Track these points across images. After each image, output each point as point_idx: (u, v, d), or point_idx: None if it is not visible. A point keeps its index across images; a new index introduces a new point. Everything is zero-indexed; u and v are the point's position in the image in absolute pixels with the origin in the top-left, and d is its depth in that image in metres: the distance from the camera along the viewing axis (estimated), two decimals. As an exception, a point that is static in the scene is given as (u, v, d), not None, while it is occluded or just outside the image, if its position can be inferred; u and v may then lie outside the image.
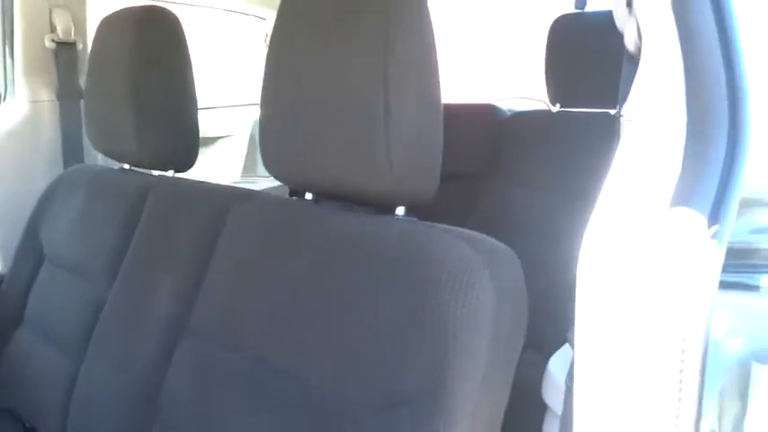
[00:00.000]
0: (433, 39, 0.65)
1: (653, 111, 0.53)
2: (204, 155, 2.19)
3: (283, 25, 0.71)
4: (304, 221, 0.73)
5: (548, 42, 1.53)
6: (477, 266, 0.58)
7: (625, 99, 0.60)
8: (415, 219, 0.69)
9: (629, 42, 0.58)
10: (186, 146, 1.05)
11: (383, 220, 0.67)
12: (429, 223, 0.66)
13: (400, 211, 0.69)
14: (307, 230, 0.72)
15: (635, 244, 0.48)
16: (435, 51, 0.65)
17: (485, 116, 1.74)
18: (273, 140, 0.74)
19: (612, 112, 1.52)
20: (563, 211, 1.51)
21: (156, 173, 1.08)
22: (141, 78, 1.00)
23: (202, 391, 0.75)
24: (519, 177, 1.57)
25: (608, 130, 1.45)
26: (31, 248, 1.15)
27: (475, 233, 0.64)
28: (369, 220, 0.68)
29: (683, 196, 0.47)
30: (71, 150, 1.36)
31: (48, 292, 1.10)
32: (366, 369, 0.61)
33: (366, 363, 0.61)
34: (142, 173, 1.10)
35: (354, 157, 0.65)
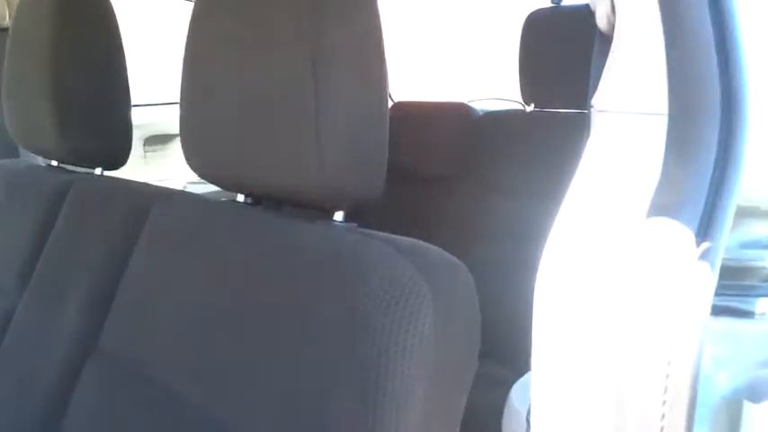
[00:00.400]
0: (377, 25, 0.56)
1: (628, 100, 0.44)
2: (164, 152, 2.10)
3: (203, 10, 0.62)
4: (227, 226, 0.63)
5: (522, 39, 1.44)
6: (417, 284, 0.48)
7: (596, 87, 0.51)
8: (354, 225, 0.59)
9: (601, 19, 0.48)
10: (116, 141, 0.94)
11: (314, 227, 0.57)
12: (368, 232, 0.56)
13: (338, 216, 0.59)
14: (229, 237, 0.62)
15: (604, 263, 0.39)
16: (379, 40, 0.56)
17: (457, 115, 1.65)
18: (194, 136, 0.64)
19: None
20: (539, 216, 1.42)
21: (82, 170, 0.97)
22: (63, 65, 0.89)
23: (107, 421, 0.64)
24: (493, 180, 1.48)
25: (583, 131, 1.37)
26: None
27: (420, 244, 0.54)
28: (299, 227, 0.58)
29: (665, 204, 0.38)
30: (4, 144, 1.24)
31: None
32: (287, 406, 0.51)
33: (287, 400, 0.51)
34: (66, 170, 0.98)
35: (283, 155, 0.56)
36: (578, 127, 1.41)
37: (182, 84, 0.64)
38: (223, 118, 0.60)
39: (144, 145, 1.85)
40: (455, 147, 1.59)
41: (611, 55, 0.46)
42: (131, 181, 0.86)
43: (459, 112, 1.65)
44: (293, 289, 0.54)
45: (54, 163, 1.01)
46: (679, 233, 0.36)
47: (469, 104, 1.71)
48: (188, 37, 0.63)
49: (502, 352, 1.30)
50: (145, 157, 1.86)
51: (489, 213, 1.46)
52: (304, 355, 0.51)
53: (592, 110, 0.50)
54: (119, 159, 0.95)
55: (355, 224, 0.60)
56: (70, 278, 0.78)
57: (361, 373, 0.48)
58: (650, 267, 0.35)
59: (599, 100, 0.46)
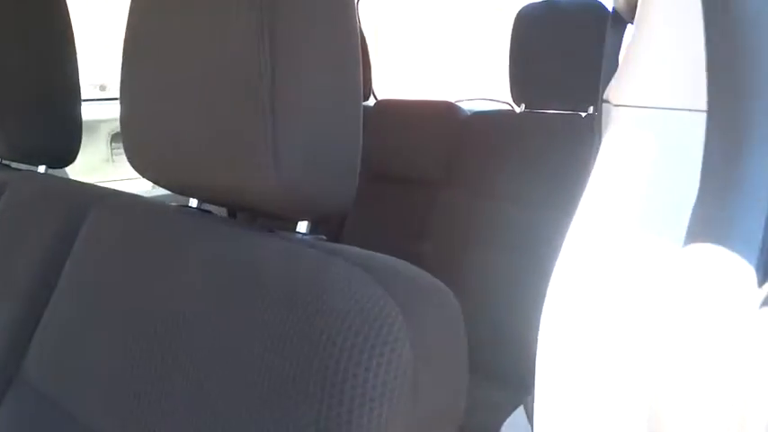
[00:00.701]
0: (350, 15, 0.47)
1: (657, 92, 0.35)
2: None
3: None
4: (172, 237, 0.54)
5: (512, 35, 1.36)
6: (389, 313, 0.40)
7: (608, 79, 0.43)
8: (320, 238, 0.50)
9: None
10: (62, 137, 0.84)
11: (271, 241, 0.48)
12: (333, 247, 0.47)
13: (302, 227, 0.50)
14: (173, 250, 0.52)
15: (635, 298, 0.30)
16: (353, 31, 0.47)
17: (444, 115, 1.56)
18: (136, 134, 0.55)
19: (584, 114, 1.37)
20: (532, 225, 1.35)
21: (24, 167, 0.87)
22: (2, 54, 0.79)
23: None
24: (481, 185, 1.40)
25: (577, 135, 1.29)
26: None
27: (395, 262, 0.45)
28: (252, 240, 0.49)
29: (709, 225, 0.29)
30: None
31: None
32: None
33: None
34: (9, 168, 0.88)
35: (234, 157, 0.47)
36: (573, 129, 1.33)
37: (121, 76, 0.55)
38: (166, 114, 0.50)
39: (111, 142, 1.73)
40: (441, 148, 1.50)
41: (634, 38, 0.37)
42: (71, 180, 0.76)
43: (445, 112, 1.57)
44: (242, 313, 0.44)
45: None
46: (732, 266, 0.27)
47: (457, 104, 1.63)
48: (128, 24, 0.54)
49: (491, 369, 1.22)
50: (112, 155, 1.74)
51: (478, 220, 1.38)
52: (252, 391, 0.42)
53: (606, 105, 0.42)
54: (66, 155, 0.85)
55: (322, 237, 0.51)
56: None
57: (316, 410, 0.39)
58: (696, 312, 0.27)
59: (618, 93, 0.37)
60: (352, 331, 0.39)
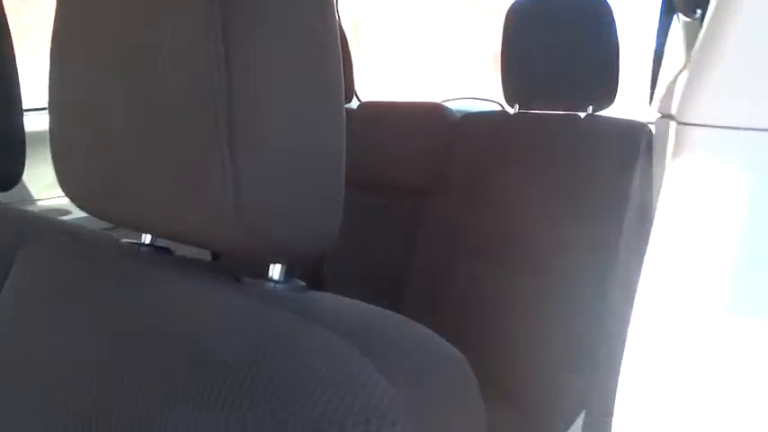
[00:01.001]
0: (327, 4, 0.37)
1: (746, 110, 0.26)
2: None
3: None
4: (113, 282, 0.44)
5: (504, 30, 1.27)
6: (387, 404, 0.30)
7: (655, 82, 0.34)
8: (298, 286, 0.41)
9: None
10: (3, 153, 0.73)
11: (232, 293, 0.38)
12: (316, 298, 0.37)
13: (275, 272, 0.41)
14: (115, 298, 0.42)
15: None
16: (330, 23, 0.37)
17: (431, 117, 1.47)
18: (67, 154, 0.45)
19: (583, 115, 1.29)
20: (525, 233, 1.26)
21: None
22: None
23: None
24: (472, 191, 1.31)
25: (576, 137, 1.20)
26: None
27: (392, 321, 0.36)
28: (210, 291, 0.39)
29: None
30: None
31: None
32: None
33: None
34: None
35: (184, 185, 0.37)
36: (573, 131, 1.24)
37: (49, 80, 0.45)
38: (102, 130, 0.40)
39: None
40: (430, 153, 1.41)
41: (708, 37, 0.28)
42: (8, 207, 0.65)
43: (433, 114, 1.47)
44: (195, 394, 0.34)
45: None
46: None
47: (445, 105, 1.53)
48: (53, 32, 0.44)
49: (490, 385, 1.13)
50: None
51: (469, 230, 1.29)
52: None
53: (661, 121, 0.32)
54: (7, 178, 0.74)
55: (300, 284, 0.41)
56: None
57: None
58: None
59: (687, 107, 0.28)
60: (340, 423, 0.30)
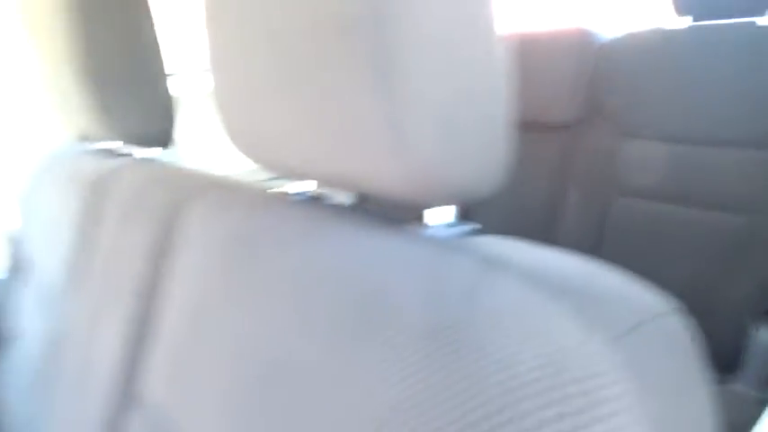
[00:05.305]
0: None
1: None
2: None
3: None
4: (285, 236, 0.42)
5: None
6: (613, 381, 0.25)
7: None
8: (474, 228, 0.37)
9: None
10: (155, 115, 0.76)
11: (409, 241, 0.35)
12: (504, 246, 0.33)
13: (449, 214, 0.37)
14: (292, 245, 0.41)
15: None
16: None
17: (573, 44, 1.33)
18: (235, 111, 0.44)
19: (759, 21, 1.08)
20: (700, 166, 1.12)
21: (124, 151, 0.81)
22: (89, 41, 0.72)
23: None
24: (631, 123, 1.17)
25: (754, 47, 1.02)
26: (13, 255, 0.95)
27: (589, 266, 0.31)
28: (383, 241, 0.36)
29: None
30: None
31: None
32: None
33: None
34: (103, 153, 0.83)
35: (350, 132, 0.34)
36: (746, 42, 1.06)
37: (209, 42, 0.44)
38: (265, 84, 0.39)
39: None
40: (578, 85, 1.28)
41: None
42: (172, 165, 0.67)
43: (577, 40, 1.33)
44: (369, 345, 0.32)
45: (102, 145, 0.86)
46: None
47: (587, 28, 1.38)
48: None
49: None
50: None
51: (630, 167, 1.16)
52: None
53: None
54: (161, 135, 0.77)
55: (474, 226, 0.37)
56: (107, 298, 0.61)
57: None
58: None
59: None
60: (543, 385, 0.26)
